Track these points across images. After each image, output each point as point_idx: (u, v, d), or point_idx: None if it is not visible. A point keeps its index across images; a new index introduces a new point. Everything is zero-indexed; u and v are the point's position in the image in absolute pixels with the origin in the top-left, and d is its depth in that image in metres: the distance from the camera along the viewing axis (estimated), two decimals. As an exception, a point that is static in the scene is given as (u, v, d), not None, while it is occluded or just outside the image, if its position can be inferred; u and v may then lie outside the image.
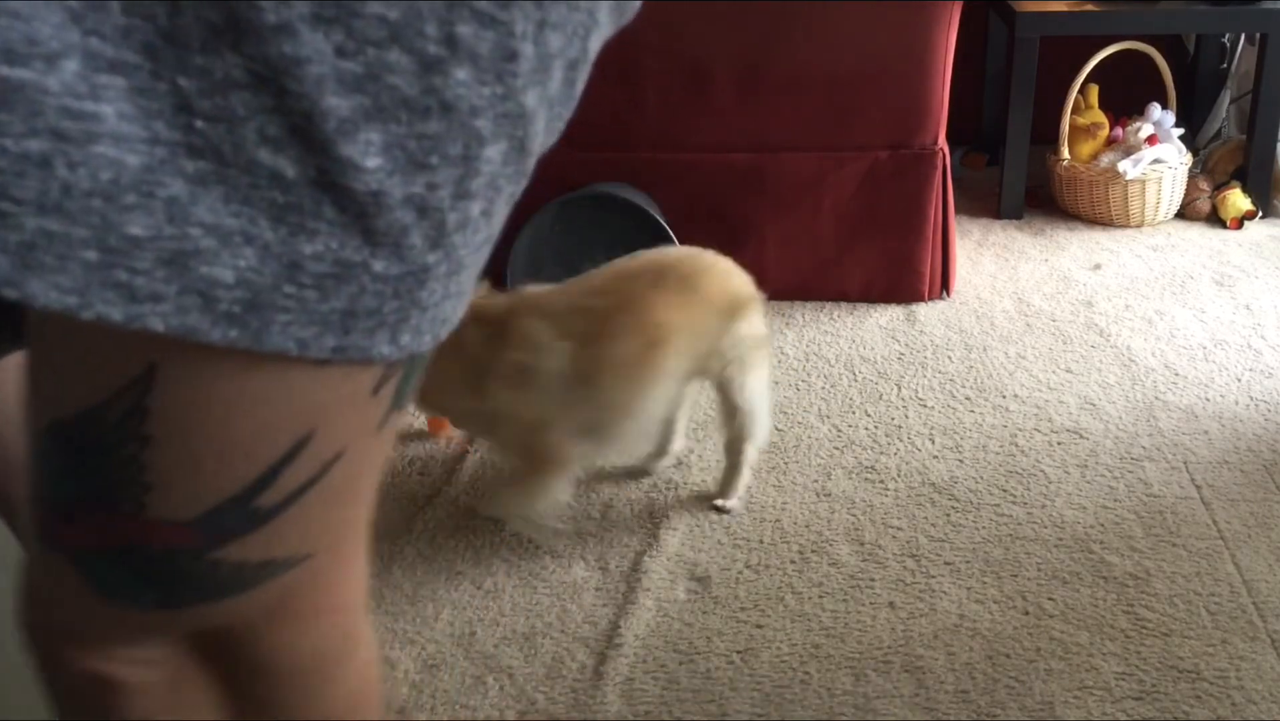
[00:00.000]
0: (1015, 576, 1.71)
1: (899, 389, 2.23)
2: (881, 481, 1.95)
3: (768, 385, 1.83)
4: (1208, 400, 2.17)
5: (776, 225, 2.57)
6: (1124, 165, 2.92)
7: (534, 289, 1.76)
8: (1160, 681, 1.51)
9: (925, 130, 2.49)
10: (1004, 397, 2.19)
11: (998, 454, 2.02)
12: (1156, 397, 2.18)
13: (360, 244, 0.58)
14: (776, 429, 2.10)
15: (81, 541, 0.67)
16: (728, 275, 1.79)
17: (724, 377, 1.79)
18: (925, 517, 1.85)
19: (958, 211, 2.93)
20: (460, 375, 1.66)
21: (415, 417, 2.14)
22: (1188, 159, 3.01)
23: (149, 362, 0.60)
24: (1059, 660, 1.55)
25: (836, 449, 2.04)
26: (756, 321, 1.80)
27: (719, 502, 1.87)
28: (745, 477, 1.88)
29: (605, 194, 2.39)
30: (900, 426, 2.11)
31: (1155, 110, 3.01)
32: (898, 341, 2.41)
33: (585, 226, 2.56)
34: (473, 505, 1.91)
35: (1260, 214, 3.00)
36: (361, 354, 0.62)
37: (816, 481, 1.95)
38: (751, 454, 1.87)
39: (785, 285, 2.61)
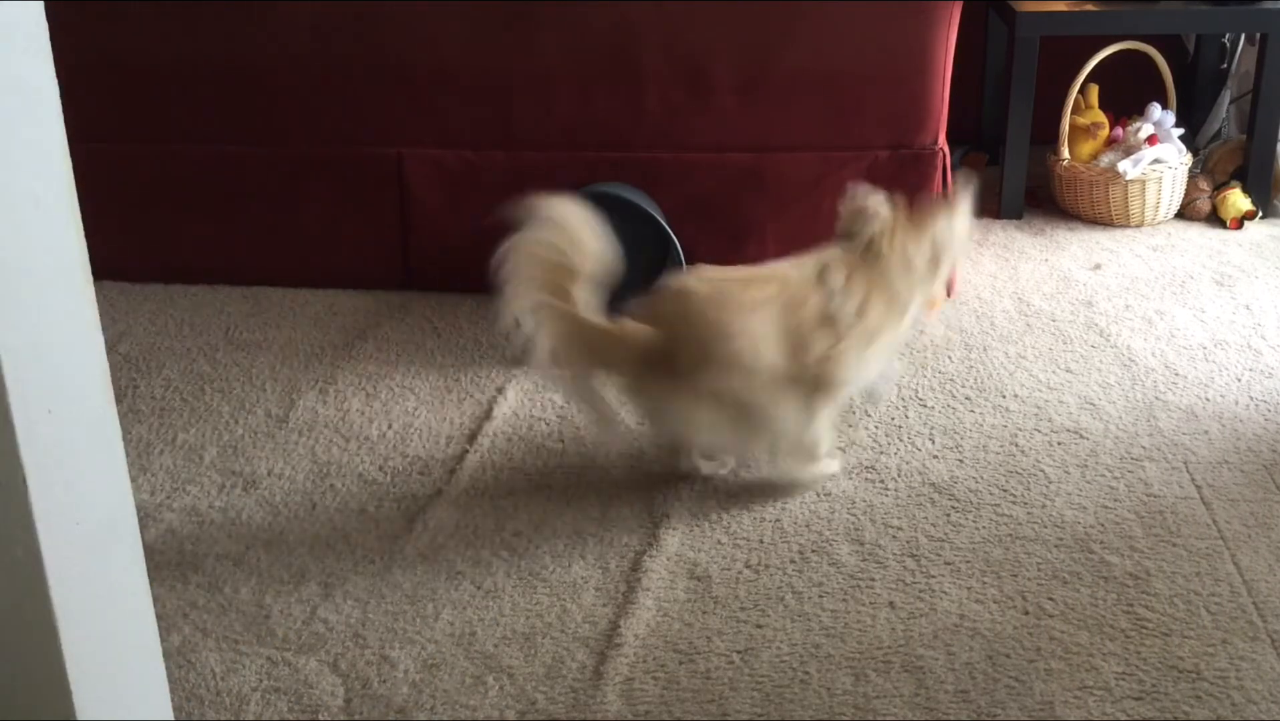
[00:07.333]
0: (1015, 576, 1.71)
1: (899, 389, 2.23)
2: (881, 481, 1.95)
3: None
4: (1208, 400, 2.17)
5: (776, 225, 2.56)
6: (1124, 165, 2.92)
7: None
8: (1160, 681, 1.51)
9: (925, 130, 2.49)
10: (1004, 397, 2.19)
11: (998, 454, 2.02)
12: (1156, 397, 2.18)
13: None
14: (776, 429, 2.10)
15: None
16: None
17: None
18: (925, 517, 1.85)
19: (958, 211, 2.93)
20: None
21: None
22: (1188, 159, 3.01)
23: None
24: (1059, 660, 1.55)
25: (837, 449, 2.04)
26: None
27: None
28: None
29: (605, 194, 2.38)
30: (900, 426, 2.11)
31: (1155, 110, 3.01)
32: (898, 341, 2.41)
33: (585, 226, 2.56)
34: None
35: (1260, 214, 3.00)
36: None
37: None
38: None
39: (785, 285, 2.61)
